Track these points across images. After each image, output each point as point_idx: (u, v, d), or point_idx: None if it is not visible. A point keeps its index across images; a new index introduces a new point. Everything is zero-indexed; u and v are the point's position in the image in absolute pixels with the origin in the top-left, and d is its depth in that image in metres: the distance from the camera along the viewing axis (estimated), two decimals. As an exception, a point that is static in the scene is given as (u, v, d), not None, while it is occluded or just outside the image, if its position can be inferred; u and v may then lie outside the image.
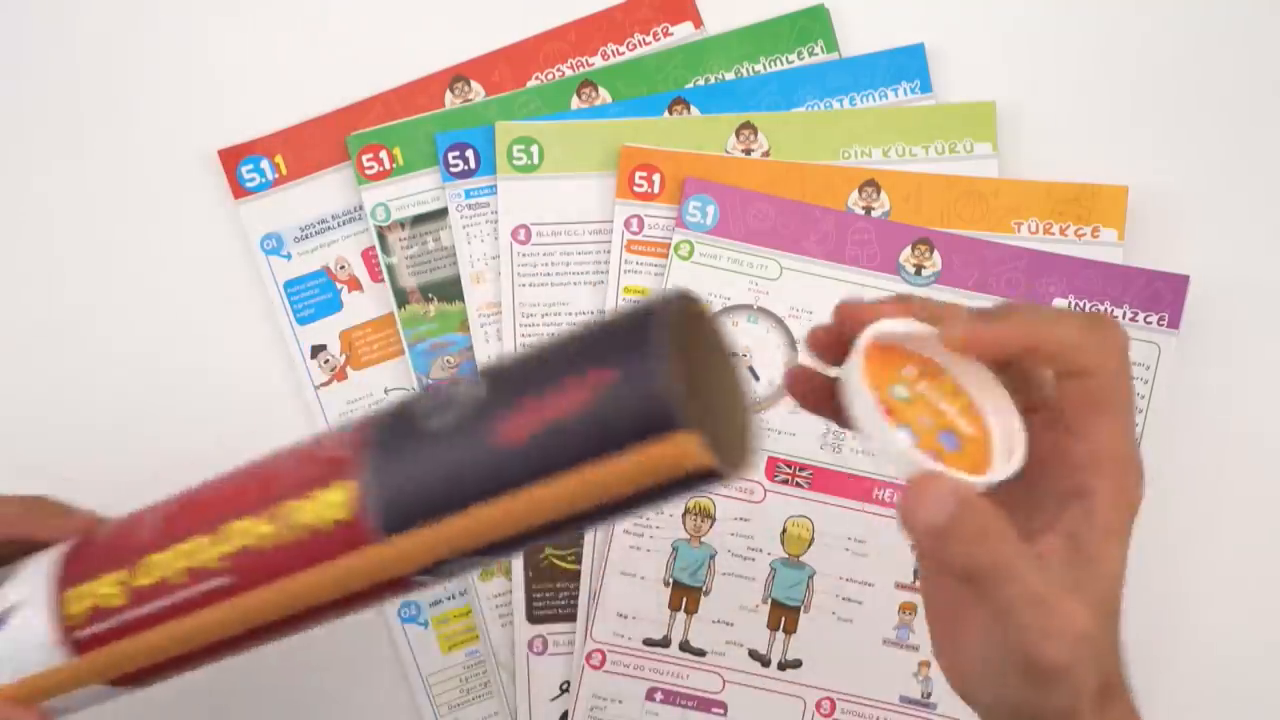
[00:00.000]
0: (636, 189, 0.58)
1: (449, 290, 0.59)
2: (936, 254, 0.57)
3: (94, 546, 0.42)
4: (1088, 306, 0.57)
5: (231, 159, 0.59)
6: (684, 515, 0.57)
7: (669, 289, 0.33)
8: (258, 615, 0.38)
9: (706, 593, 0.58)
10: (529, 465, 0.33)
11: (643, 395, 0.31)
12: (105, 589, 0.40)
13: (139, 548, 0.40)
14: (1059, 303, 0.57)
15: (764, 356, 0.57)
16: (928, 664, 0.57)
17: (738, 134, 0.59)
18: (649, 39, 0.60)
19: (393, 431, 0.36)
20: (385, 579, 0.36)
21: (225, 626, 0.39)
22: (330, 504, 0.36)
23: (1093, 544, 0.34)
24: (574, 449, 0.32)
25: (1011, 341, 0.35)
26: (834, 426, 0.57)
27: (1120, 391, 0.35)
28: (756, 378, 0.57)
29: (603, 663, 0.58)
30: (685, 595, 0.58)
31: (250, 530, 0.38)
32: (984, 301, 0.57)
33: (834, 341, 0.36)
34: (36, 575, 0.43)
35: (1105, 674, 0.34)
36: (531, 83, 0.60)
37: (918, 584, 0.56)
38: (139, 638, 0.40)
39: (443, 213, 0.59)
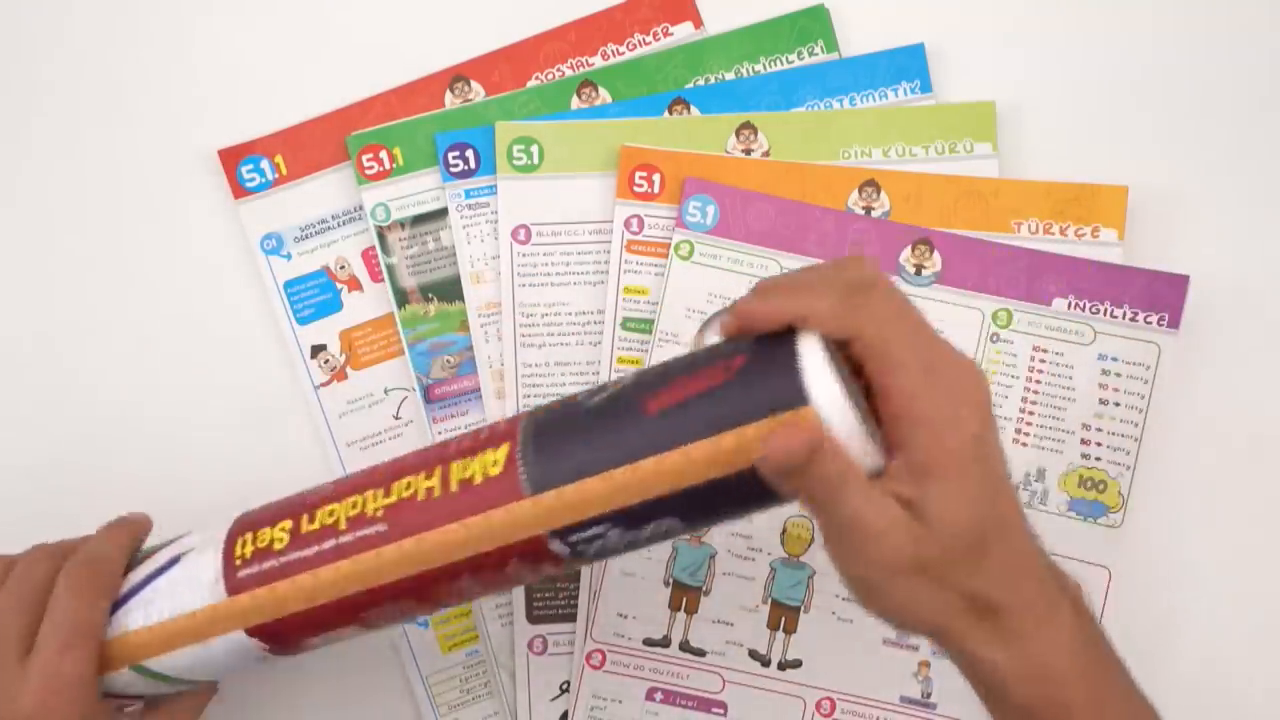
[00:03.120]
0: (636, 189, 0.58)
1: (449, 290, 0.59)
2: (936, 254, 0.57)
3: (269, 510, 0.45)
4: (1087, 306, 0.57)
5: (231, 159, 0.59)
6: (684, 515, 0.57)
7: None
8: (401, 565, 0.41)
9: (706, 593, 0.58)
10: (664, 433, 0.37)
11: (773, 371, 0.37)
12: (275, 533, 0.43)
13: (314, 503, 0.43)
14: (1059, 303, 0.57)
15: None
16: (928, 664, 0.57)
17: (738, 134, 0.59)
18: (649, 39, 0.60)
19: (552, 408, 0.40)
20: (524, 537, 0.39)
21: (371, 574, 0.41)
22: (486, 462, 0.40)
23: (911, 491, 0.37)
24: (706, 418, 0.37)
25: (774, 316, 0.38)
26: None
27: (892, 353, 0.37)
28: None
29: (603, 663, 0.58)
30: (685, 595, 0.58)
31: (414, 484, 0.41)
32: (984, 303, 0.57)
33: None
34: (216, 527, 0.45)
35: (968, 593, 0.38)
36: (531, 83, 0.60)
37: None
38: (290, 581, 0.42)
39: (443, 213, 0.59)
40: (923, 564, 0.37)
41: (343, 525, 0.42)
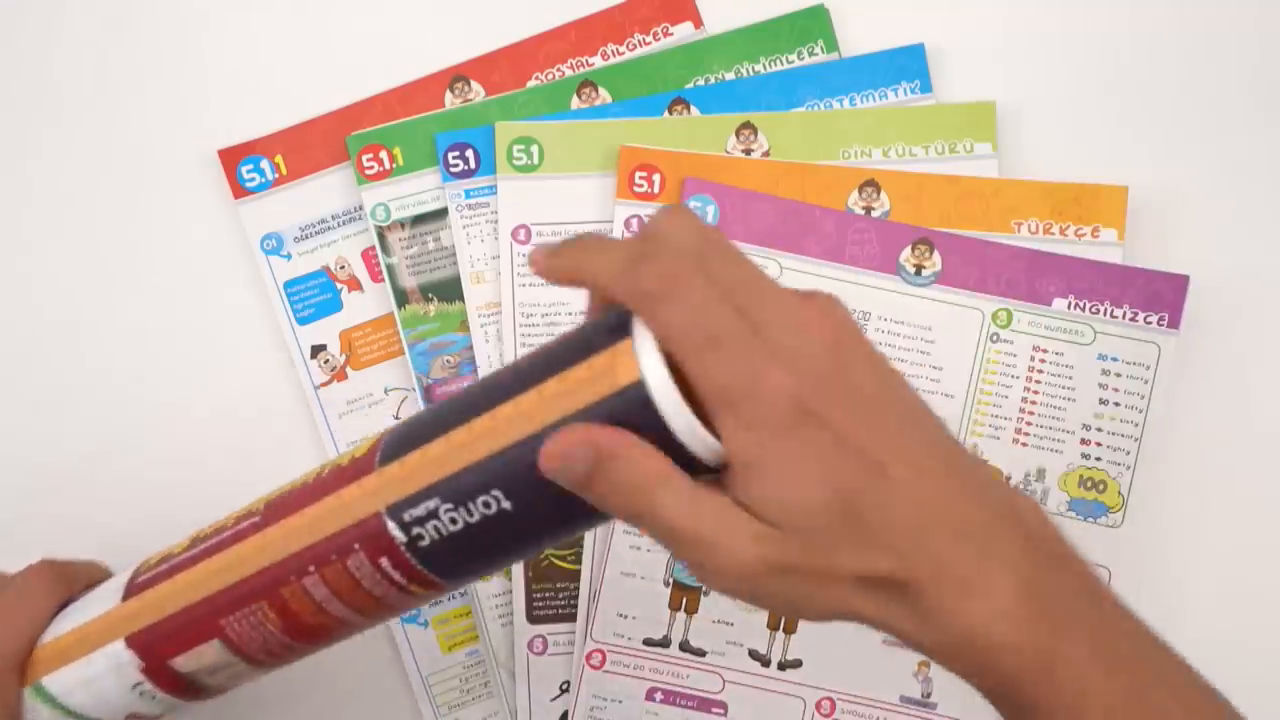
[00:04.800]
0: (636, 189, 0.58)
1: (449, 290, 0.59)
2: (936, 254, 0.57)
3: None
4: (1087, 306, 0.57)
5: (231, 159, 0.59)
6: (684, 515, 0.57)
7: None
8: (261, 554, 0.39)
9: (706, 593, 0.58)
10: (497, 390, 0.35)
11: (598, 324, 0.34)
12: (182, 541, 0.42)
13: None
14: (1059, 303, 0.57)
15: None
16: (927, 664, 0.57)
17: (738, 134, 0.59)
18: (649, 39, 0.60)
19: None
20: (364, 515, 0.37)
21: (234, 566, 0.40)
22: (360, 446, 0.39)
23: (739, 490, 0.32)
24: (524, 378, 0.34)
25: (563, 273, 0.34)
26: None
27: (672, 323, 0.32)
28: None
29: (603, 663, 0.58)
30: (685, 595, 0.58)
31: (301, 478, 0.40)
32: (984, 303, 0.57)
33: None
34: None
35: (856, 576, 0.32)
36: (531, 83, 0.60)
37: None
38: (170, 579, 0.41)
39: (443, 213, 0.59)
40: (783, 565, 0.32)
41: (230, 523, 0.41)
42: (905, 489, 0.32)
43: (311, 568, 0.38)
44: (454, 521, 0.36)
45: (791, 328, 0.32)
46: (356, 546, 0.37)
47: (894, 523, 0.32)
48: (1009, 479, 0.57)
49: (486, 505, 0.35)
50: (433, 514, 0.36)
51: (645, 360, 0.32)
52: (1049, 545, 0.34)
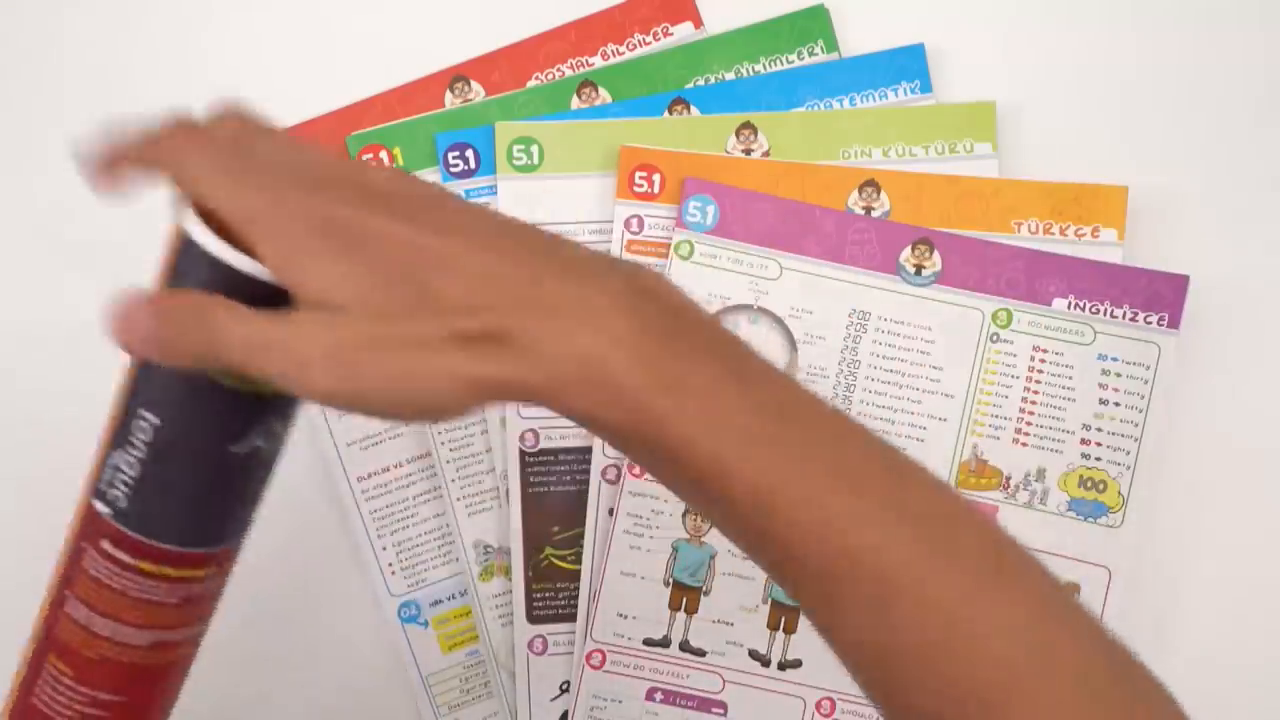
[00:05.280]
0: (636, 189, 0.58)
1: (449, 290, 0.59)
2: (936, 254, 0.57)
3: None
4: (1087, 306, 0.57)
5: (231, 159, 0.59)
6: (684, 515, 0.57)
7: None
8: (42, 605, 0.39)
9: (706, 593, 0.58)
10: None
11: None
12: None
13: None
14: (1059, 303, 0.57)
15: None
16: (928, 664, 0.57)
17: (738, 134, 0.59)
18: (649, 39, 0.60)
19: None
20: (83, 505, 0.37)
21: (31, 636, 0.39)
22: None
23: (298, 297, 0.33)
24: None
25: (112, 151, 0.38)
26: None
27: (197, 178, 0.35)
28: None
29: (603, 663, 0.58)
30: (685, 595, 0.58)
31: None
32: (984, 303, 0.57)
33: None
34: None
35: (449, 335, 0.32)
36: (531, 83, 0.60)
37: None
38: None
39: (443, 213, 0.59)
40: (364, 338, 0.31)
41: None
42: (469, 247, 0.32)
43: (66, 591, 0.37)
44: (130, 465, 0.35)
45: (289, 149, 0.35)
46: (83, 544, 0.37)
47: (465, 277, 0.32)
48: (1009, 479, 0.57)
49: (142, 431, 0.35)
50: (115, 469, 0.36)
51: (182, 216, 0.35)
52: (674, 304, 0.33)
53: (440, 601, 0.59)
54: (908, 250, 0.57)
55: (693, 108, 0.59)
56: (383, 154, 0.59)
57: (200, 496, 0.37)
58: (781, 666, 0.57)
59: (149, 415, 0.35)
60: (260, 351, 0.32)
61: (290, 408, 0.38)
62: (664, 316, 0.33)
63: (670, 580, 0.58)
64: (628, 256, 0.58)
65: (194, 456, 0.36)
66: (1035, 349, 0.57)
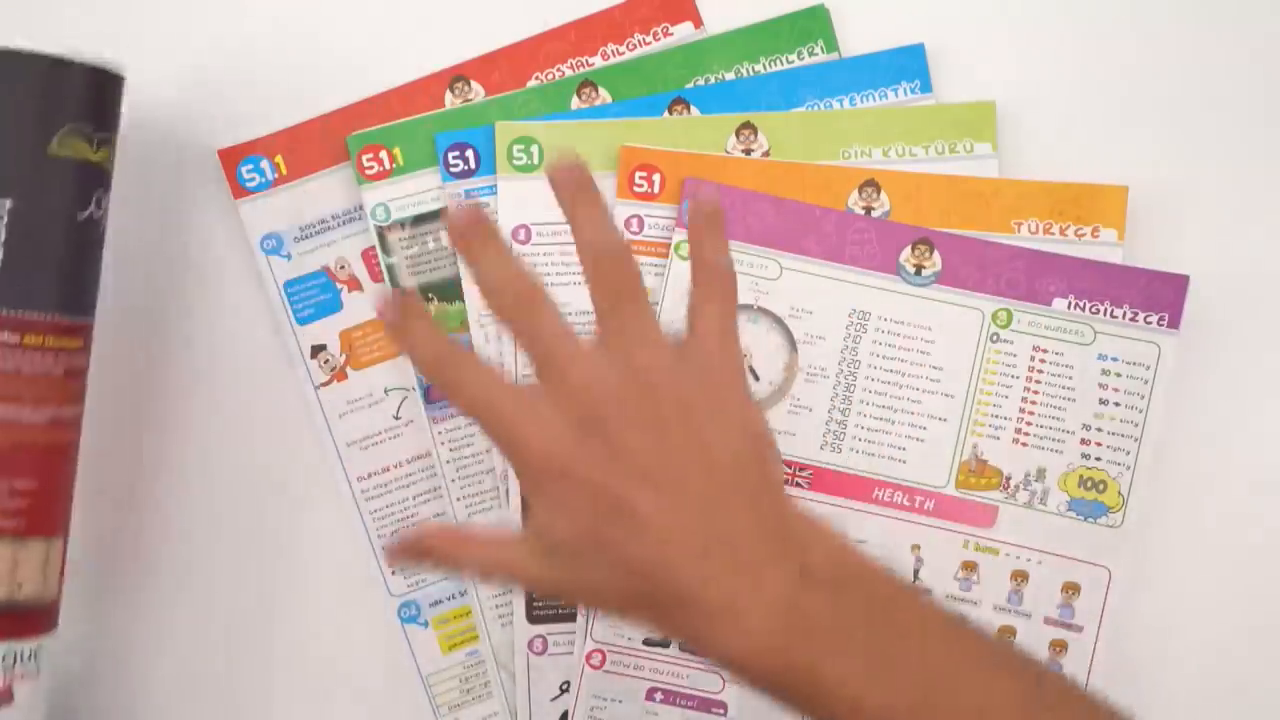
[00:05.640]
0: (636, 189, 0.58)
1: (449, 290, 0.59)
2: (936, 254, 0.57)
3: None
4: (1087, 306, 0.57)
5: (231, 159, 0.59)
6: (684, 515, 0.57)
7: None
8: None
9: (706, 593, 0.57)
10: None
11: None
12: None
13: None
14: (1059, 303, 0.57)
15: (764, 356, 0.57)
16: (928, 664, 0.57)
17: (738, 134, 0.59)
18: (649, 39, 0.60)
19: None
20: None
21: None
22: None
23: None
24: None
25: None
26: (833, 425, 0.57)
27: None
28: (756, 378, 0.57)
29: (603, 663, 0.58)
30: (685, 595, 0.58)
31: None
32: (984, 303, 0.57)
33: None
34: None
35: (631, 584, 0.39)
36: (531, 83, 0.60)
37: (918, 584, 0.56)
38: None
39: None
40: (558, 577, 0.40)
41: None
42: (653, 520, 0.38)
43: None
44: None
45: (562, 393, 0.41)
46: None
47: (638, 552, 0.38)
48: (1009, 479, 0.57)
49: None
50: None
51: None
52: (831, 569, 0.38)
53: (440, 601, 0.59)
54: (908, 250, 0.57)
55: (693, 108, 0.59)
56: (383, 154, 0.59)
57: (63, 262, 0.44)
58: (781, 666, 0.57)
59: (2, 200, 0.41)
60: (495, 568, 0.41)
61: (109, 178, 0.45)
62: (813, 598, 0.38)
63: (670, 580, 0.58)
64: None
65: (50, 228, 0.43)
66: (1035, 349, 0.57)
